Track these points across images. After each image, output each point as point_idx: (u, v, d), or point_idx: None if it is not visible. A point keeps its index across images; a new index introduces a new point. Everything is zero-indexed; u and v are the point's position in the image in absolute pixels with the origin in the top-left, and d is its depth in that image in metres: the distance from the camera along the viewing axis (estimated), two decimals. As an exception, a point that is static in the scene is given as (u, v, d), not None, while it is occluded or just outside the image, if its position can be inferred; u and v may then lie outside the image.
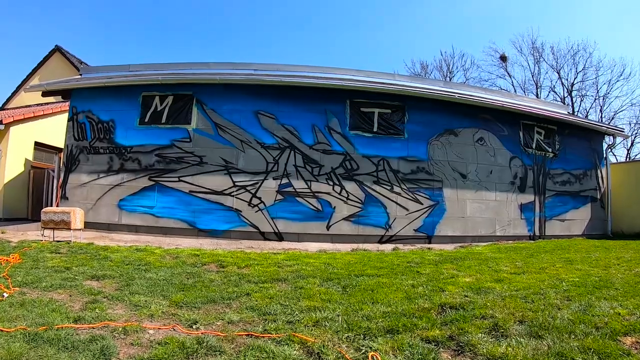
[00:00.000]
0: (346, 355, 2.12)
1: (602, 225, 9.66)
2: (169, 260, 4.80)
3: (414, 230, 7.68)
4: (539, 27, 44.61)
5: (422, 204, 7.76)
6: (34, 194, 10.24)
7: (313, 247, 6.72)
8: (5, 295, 2.97)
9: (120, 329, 2.44)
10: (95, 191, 7.62)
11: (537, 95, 23.64)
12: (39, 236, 6.38)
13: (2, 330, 2.28)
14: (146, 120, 7.73)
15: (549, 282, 3.75)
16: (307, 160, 7.53)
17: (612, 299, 3.08)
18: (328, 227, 7.40)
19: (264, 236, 7.29)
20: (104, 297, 3.14)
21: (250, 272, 4.27)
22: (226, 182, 7.41)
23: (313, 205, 7.43)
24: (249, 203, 7.38)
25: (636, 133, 22.14)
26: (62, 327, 2.38)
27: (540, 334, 2.36)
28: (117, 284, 3.58)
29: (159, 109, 7.76)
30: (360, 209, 7.53)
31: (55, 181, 8.84)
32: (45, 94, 8.89)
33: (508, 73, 25.78)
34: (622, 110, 26.13)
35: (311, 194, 7.45)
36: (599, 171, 9.82)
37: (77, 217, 6.24)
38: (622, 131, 11.29)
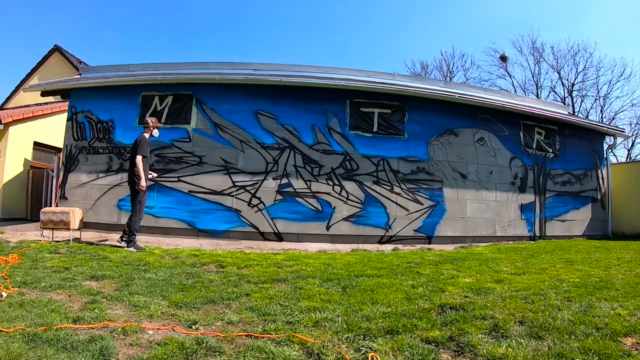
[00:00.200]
0: (346, 356, 2.11)
1: (602, 225, 9.65)
2: (169, 261, 4.79)
3: (414, 230, 7.68)
4: (539, 27, 44.68)
5: (422, 204, 7.76)
6: (33, 194, 10.23)
7: (313, 247, 6.72)
8: (4, 295, 2.96)
9: (119, 329, 2.43)
10: (94, 191, 7.61)
11: (537, 96, 23.66)
12: (38, 236, 6.37)
13: (1, 331, 2.27)
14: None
15: (549, 283, 3.74)
16: (306, 160, 7.53)
17: (613, 300, 3.07)
18: (328, 228, 7.40)
19: (264, 236, 7.28)
20: (103, 298, 3.13)
21: (250, 272, 4.26)
22: (226, 182, 7.40)
23: (313, 206, 7.43)
24: (249, 203, 7.37)
25: (637, 133, 22.19)
26: (61, 328, 2.37)
27: (540, 334, 2.35)
28: (116, 284, 3.57)
29: (158, 109, 7.75)
30: (360, 209, 7.53)
31: (54, 181, 8.84)
32: (44, 93, 8.87)
33: (508, 73, 25.83)
34: (622, 111, 26.25)
35: (311, 194, 7.44)
36: (599, 171, 9.82)
37: (77, 217, 6.23)
38: (623, 131, 11.30)
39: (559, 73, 23.85)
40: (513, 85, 25.85)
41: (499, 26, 37.31)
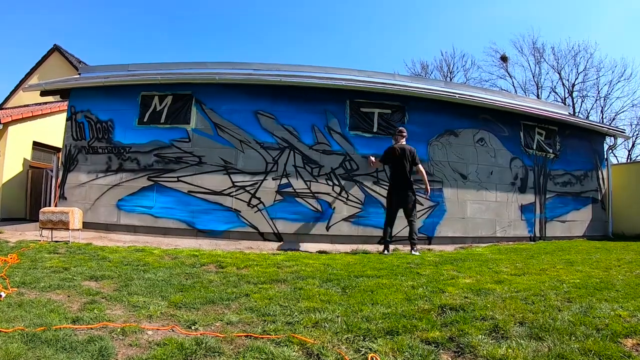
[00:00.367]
0: (345, 357, 2.11)
1: (602, 226, 9.65)
2: (168, 261, 4.78)
3: (413, 231, 7.65)
4: (540, 28, 44.70)
5: (422, 204, 7.75)
6: (32, 194, 10.23)
7: (312, 247, 6.71)
8: (3, 295, 2.96)
9: (118, 329, 2.43)
10: (93, 191, 7.60)
11: (537, 96, 23.67)
12: (37, 236, 6.36)
13: (0, 331, 2.27)
14: (145, 120, 7.72)
15: (549, 284, 3.73)
16: (306, 160, 7.52)
17: (613, 301, 3.06)
18: (328, 228, 7.39)
19: (263, 237, 7.27)
20: (103, 298, 3.13)
21: (250, 272, 4.25)
22: (225, 182, 7.39)
23: (312, 206, 7.42)
24: (248, 203, 7.36)
25: (637, 134, 22.20)
26: (60, 328, 2.36)
27: (540, 335, 2.35)
28: (115, 284, 3.56)
29: (158, 109, 7.74)
30: (360, 210, 7.52)
31: (53, 181, 8.83)
32: (43, 93, 8.87)
33: (509, 73, 25.85)
34: (623, 111, 26.25)
35: (311, 194, 7.43)
36: (599, 172, 9.81)
37: (76, 217, 6.23)
38: (623, 132, 11.27)
39: (559, 73, 23.88)
40: (513, 85, 25.88)
41: (499, 26, 37.37)
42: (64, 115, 8.69)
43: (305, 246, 6.82)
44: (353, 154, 7.63)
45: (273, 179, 7.43)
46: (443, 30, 41.45)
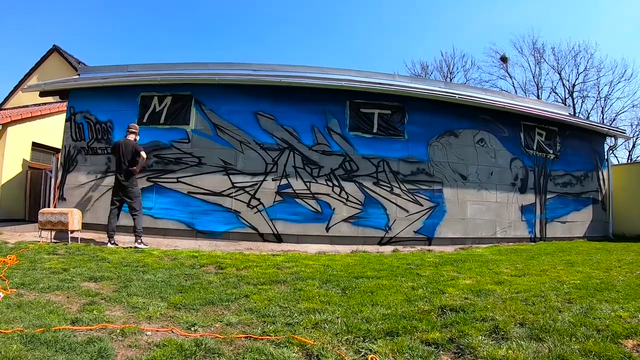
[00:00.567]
0: (345, 358, 2.10)
1: (603, 227, 9.64)
2: (167, 262, 4.78)
3: (413, 232, 7.66)
4: (540, 28, 44.77)
5: (422, 205, 7.74)
6: (32, 195, 10.21)
7: (312, 248, 6.70)
8: (2, 296, 2.95)
9: (118, 330, 2.42)
10: (93, 192, 7.58)
11: (538, 97, 23.68)
12: (36, 237, 6.35)
13: (-2, 332, 2.26)
14: (144, 120, 7.71)
15: (549, 285, 3.73)
16: (306, 161, 7.51)
17: (614, 302, 3.06)
18: (327, 229, 7.38)
19: (263, 238, 7.26)
20: (102, 299, 3.12)
21: (249, 273, 4.25)
22: (225, 183, 7.38)
23: (312, 207, 7.41)
24: (248, 204, 7.35)
25: (638, 134, 22.21)
26: (59, 329, 2.36)
27: (541, 336, 2.34)
28: (115, 285, 3.56)
29: (157, 110, 7.74)
30: (359, 211, 7.51)
31: (52, 182, 8.82)
32: (43, 94, 8.85)
33: (509, 74, 25.86)
34: (623, 112, 26.18)
35: (310, 195, 7.42)
36: (600, 173, 9.81)
37: (75, 218, 6.22)
38: (624, 132, 11.27)
39: (559, 74, 23.88)
40: (513, 86, 25.90)
41: (499, 27, 37.39)
42: (63, 116, 8.68)
43: (305, 247, 6.82)
44: (353, 154, 7.62)
45: (273, 180, 7.42)
46: (443, 31, 41.50)
